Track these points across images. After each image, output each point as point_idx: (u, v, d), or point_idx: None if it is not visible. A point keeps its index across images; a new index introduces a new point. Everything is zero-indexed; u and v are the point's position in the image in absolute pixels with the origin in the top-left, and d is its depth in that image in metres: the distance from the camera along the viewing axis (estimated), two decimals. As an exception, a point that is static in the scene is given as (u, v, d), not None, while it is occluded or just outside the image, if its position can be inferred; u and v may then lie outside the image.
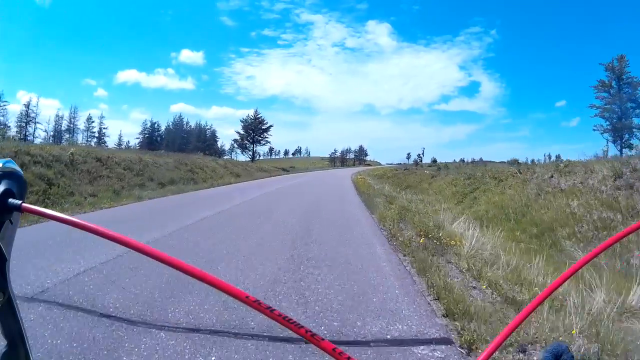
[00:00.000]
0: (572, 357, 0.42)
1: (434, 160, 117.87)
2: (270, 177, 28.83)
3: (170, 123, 72.28)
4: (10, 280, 0.40)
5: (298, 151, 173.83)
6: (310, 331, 0.36)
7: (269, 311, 0.36)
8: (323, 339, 0.36)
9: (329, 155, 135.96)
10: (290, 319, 0.36)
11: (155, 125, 73.45)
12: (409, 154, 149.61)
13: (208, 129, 76.47)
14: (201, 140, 69.65)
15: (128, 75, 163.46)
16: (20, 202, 0.39)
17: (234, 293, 0.36)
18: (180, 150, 44.98)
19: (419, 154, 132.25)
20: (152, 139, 68.32)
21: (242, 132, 64.42)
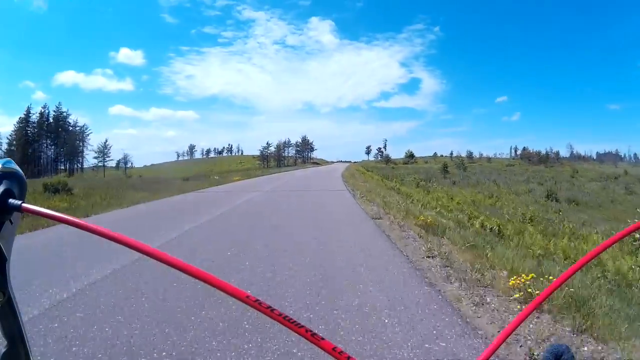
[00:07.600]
0: (573, 356, 0.42)
1: (411, 155, 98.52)
2: None
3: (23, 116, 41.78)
4: (10, 280, 0.40)
5: (229, 150, 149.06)
6: (311, 330, 0.36)
7: (269, 311, 0.36)
8: (323, 339, 0.36)
9: (260, 152, 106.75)
10: (291, 319, 0.36)
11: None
12: (368, 147, 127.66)
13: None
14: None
15: (66, 77, 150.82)
16: (20, 202, 0.39)
17: (234, 293, 0.36)
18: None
19: (380, 148, 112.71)
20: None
21: None
